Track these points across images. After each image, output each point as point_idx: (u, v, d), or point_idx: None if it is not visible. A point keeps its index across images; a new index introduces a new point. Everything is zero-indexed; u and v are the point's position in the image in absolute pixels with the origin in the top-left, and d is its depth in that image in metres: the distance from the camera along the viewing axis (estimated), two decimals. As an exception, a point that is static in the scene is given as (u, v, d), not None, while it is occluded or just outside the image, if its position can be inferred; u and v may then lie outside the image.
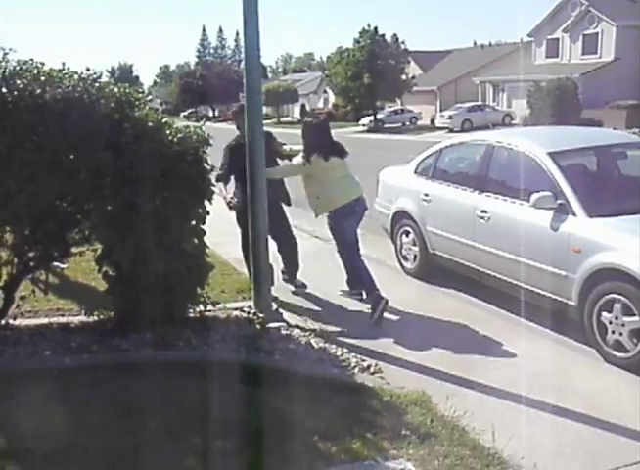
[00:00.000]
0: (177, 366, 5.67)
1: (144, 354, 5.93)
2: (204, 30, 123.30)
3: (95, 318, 6.63)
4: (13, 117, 5.50)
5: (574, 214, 6.78)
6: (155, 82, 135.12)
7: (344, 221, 7.94)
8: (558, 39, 50.85)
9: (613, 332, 6.22)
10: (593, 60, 47.43)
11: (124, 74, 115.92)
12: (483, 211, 7.88)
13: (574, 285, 6.56)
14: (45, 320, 6.85)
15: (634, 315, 5.95)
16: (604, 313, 6.25)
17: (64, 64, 6.13)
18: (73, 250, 6.59)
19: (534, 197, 7.04)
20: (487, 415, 5.14)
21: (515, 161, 7.87)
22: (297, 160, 8.04)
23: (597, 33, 47.85)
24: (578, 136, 8.89)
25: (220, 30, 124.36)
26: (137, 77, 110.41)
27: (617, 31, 46.05)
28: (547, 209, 6.99)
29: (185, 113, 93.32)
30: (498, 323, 7.34)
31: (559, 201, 6.94)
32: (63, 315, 7.08)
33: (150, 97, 6.84)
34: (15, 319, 6.68)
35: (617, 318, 6.16)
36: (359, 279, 7.95)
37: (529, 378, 5.80)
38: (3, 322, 6.45)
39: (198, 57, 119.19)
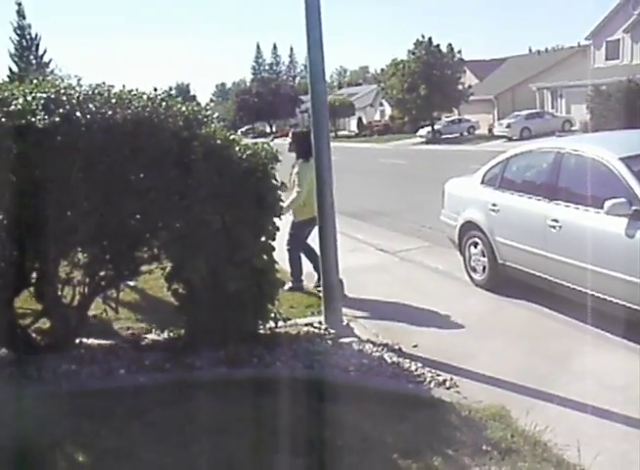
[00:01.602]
0: (252, 384, 5.64)
1: (218, 372, 5.93)
2: (258, 48, 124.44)
3: (166, 336, 6.66)
4: (86, 140, 5.57)
5: (651, 221, 6.61)
6: (211, 100, 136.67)
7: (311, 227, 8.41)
8: (619, 40, 49.51)
9: None
10: (658, 59, 46.15)
11: (181, 93, 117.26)
12: (554, 220, 7.72)
13: (652, 293, 6.36)
14: (117, 339, 6.91)
15: None
16: None
17: (123, 86, 6.27)
18: (143, 268, 6.64)
19: (608, 204, 6.88)
20: (570, 430, 4.99)
21: (585, 167, 7.70)
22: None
23: (661, 31, 46.56)
24: (650, 139, 8.67)
25: (274, 47, 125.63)
26: (194, 96, 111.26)
27: (683, 29, 44.76)
28: (622, 216, 6.82)
29: (242, 129, 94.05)
30: (573, 334, 7.18)
31: (634, 207, 6.76)
32: (134, 334, 7.13)
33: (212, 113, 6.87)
34: (88, 338, 6.74)
35: None
36: (294, 268, 9.07)
37: (611, 391, 5.64)
38: (77, 341, 6.52)
39: (253, 74, 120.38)
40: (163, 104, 6.10)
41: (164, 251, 6.38)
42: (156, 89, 6.35)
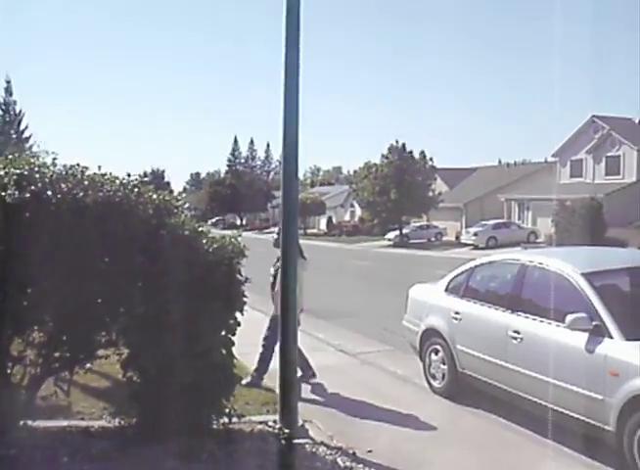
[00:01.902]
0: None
1: (167, 466, 5.77)
2: (235, 141, 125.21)
3: (117, 423, 6.50)
4: (54, 219, 5.56)
5: (611, 337, 6.65)
6: (184, 188, 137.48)
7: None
8: (582, 160, 51.57)
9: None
10: (616, 181, 47.84)
11: (156, 179, 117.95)
12: (516, 332, 7.75)
13: (612, 410, 6.35)
14: (65, 423, 6.74)
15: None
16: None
17: (99, 167, 6.31)
18: (99, 352, 6.53)
19: (569, 318, 6.93)
20: None
21: (548, 281, 7.79)
22: None
23: (619, 156, 48.65)
24: (612, 256, 8.84)
25: (251, 142, 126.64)
26: (168, 183, 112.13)
27: (639, 155, 46.77)
28: (582, 330, 6.87)
29: (213, 220, 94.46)
30: (530, 447, 7.12)
31: (594, 322, 6.82)
32: (83, 419, 6.96)
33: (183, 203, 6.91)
34: (34, 421, 6.54)
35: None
36: (262, 363, 9.11)
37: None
38: (21, 423, 6.29)
39: (228, 166, 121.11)
40: (135, 190, 6.14)
41: (123, 336, 6.30)
42: (129, 174, 6.39)
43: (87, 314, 6.05)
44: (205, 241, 6.26)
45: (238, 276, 6.43)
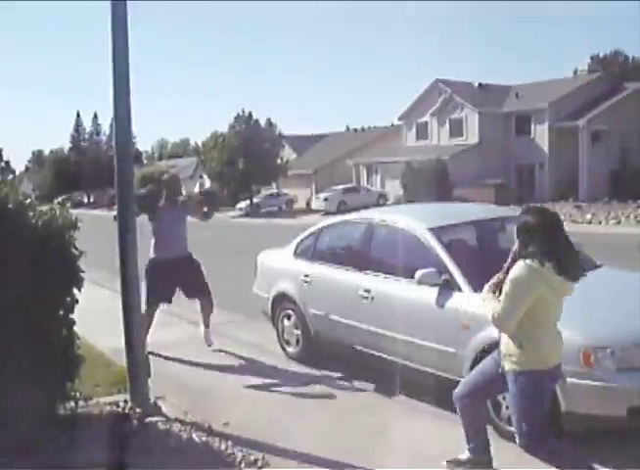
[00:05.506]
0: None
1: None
2: (78, 116, 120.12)
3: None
4: None
5: (460, 290, 6.67)
6: (27, 168, 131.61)
7: None
8: (427, 122, 52.99)
9: (507, 407, 6.02)
10: (460, 142, 49.60)
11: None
12: (366, 291, 7.68)
13: (465, 362, 6.37)
14: None
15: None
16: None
17: None
18: None
19: (418, 273, 6.90)
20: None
21: (396, 238, 7.76)
22: None
23: (462, 118, 50.42)
24: (457, 211, 8.94)
25: (95, 116, 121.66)
26: (7, 162, 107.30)
27: (480, 116, 48.76)
28: (432, 285, 6.85)
29: (59, 199, 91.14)
30: (387, 405, 7.10)
31: (444, 277, 6.83)
32: None
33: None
34: None
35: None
36: None
37: (427, 459, 5.57)
38: None
39: (72, 142, 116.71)
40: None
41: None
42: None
43: None
44: (32, 214, 5.79)
45: (72, 250, 6.00)
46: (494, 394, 5.72)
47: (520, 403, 4.75)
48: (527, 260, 4.57)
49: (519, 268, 4.58)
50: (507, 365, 4.74)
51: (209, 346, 9.23)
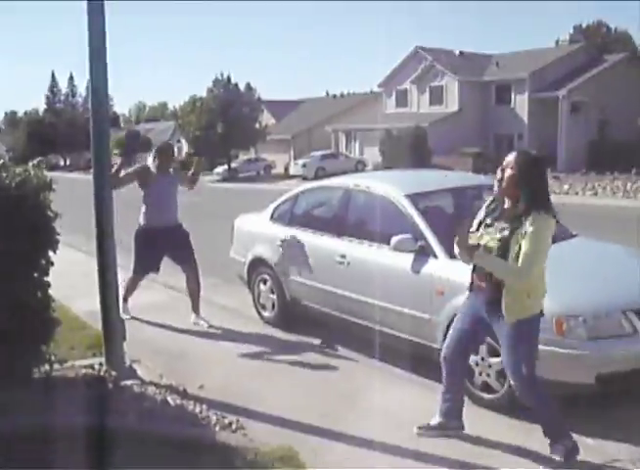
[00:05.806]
0: (18, 435, 5.08)
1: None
2: (53, 76, 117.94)
3: None
4: None
5: (436, 256, 6.69)
6: (0, 129, 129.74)
7: None
8: (407, 90, 52.89)
9: (480, 373, 6.10)
10: (440, 110, 49.59)
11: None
12: (342, 256, 7.69)
13: (439, 328, 6.40)
14: None
15: (499, 356, 5.83)
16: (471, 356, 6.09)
17: None
18: None
19: (394, 240, 6.91)
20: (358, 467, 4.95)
21: (373, 204, 7.75)
22: None
23: (442, 86, 50.38)
24: (434, 178, 8.92)
25: (71, 77, 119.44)
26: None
27: (460, 85, 48.74)
28: (408, 251, 6.86)
29: (34, 162, 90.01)
30: (361, 371, 7.11)
31: (419, 243, 6.84)
32: None
33: None
34: None
35: (483, 360, 6.05)
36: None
37: (400, 426, 5.59)
38: None
39: (47, 104, 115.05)
40: None
41: None
42: None
43: None
44: (5, 175, 5.71)
45: (48, 212, 5.92)
46: (477, 346, 5.84)
47: (521, 347, 4.90)
48: (542, 212, 4.69)
49: (541, 220, 4.69)
50: (510, 317, 4.82)
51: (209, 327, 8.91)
